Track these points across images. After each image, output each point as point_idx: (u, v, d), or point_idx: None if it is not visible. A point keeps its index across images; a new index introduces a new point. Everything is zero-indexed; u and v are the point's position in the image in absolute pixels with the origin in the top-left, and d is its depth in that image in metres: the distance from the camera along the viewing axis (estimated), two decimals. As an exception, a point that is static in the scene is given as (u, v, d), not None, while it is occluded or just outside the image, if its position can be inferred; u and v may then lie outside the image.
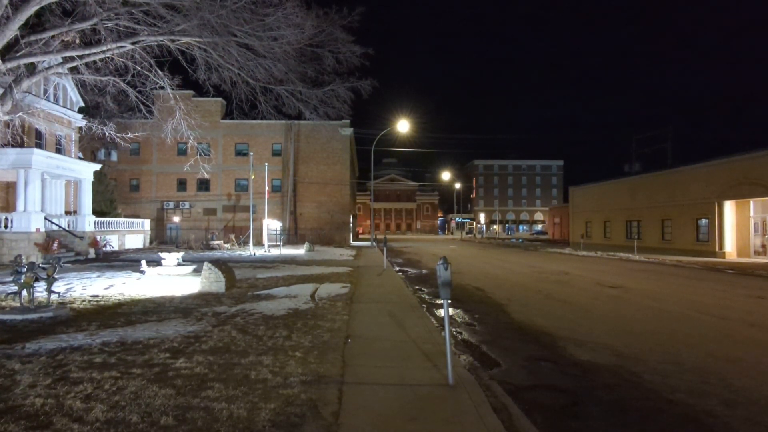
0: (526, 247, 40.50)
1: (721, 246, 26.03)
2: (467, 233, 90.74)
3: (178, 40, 12.02)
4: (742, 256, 25.66)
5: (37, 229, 20.24)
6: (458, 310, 9.90)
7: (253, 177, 31.50)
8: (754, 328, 8.28)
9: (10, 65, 11.23)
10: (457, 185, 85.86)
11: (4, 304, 8.98)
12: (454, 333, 7.82)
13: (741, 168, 24.73)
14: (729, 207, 26.14)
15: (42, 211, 21.77)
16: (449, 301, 4.96)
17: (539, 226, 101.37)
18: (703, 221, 27.46)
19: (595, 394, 5.01)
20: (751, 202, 25.71)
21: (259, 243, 33.04)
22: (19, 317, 7.72)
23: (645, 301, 11.28)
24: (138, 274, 14.58)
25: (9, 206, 23.50)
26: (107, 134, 15.38)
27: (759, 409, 4.58)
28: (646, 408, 4.65)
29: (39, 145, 23.75)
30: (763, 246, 25.40)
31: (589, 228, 40.22)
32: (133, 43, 11.86)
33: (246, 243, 32.92)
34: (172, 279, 13.56)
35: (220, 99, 41.14)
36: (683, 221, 28.95)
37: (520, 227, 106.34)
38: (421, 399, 4.42)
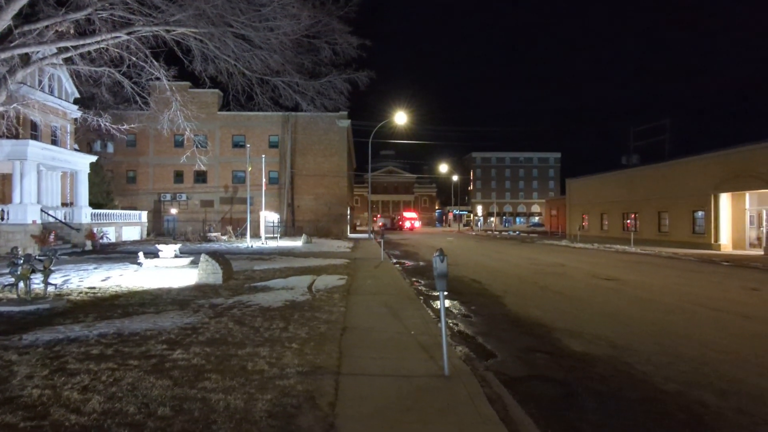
0: (523, 240, 40.60)
1: (717, 238, 26.15)
2: (465, 225, 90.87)
3: (174, 31, 11.91)
4: (738, 249, 25.79)
5: (34, 221, 20.18)
6: (455, 302, 9.94)
7: (250, 169, 31.42)
8: (748, 319, 8.35)
9: (4, 56, 11.12)
10: (455, 177, 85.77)
11: (0, 296, 8.97)
12: (451, 324, 7.86)
13: (737, 160, 24.79)
14: (725, 199, 26.24)
15: (38, 203, 21.69)
16: (445, 293, 4.98)
17: (536, 219, 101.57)
18: (700, 213, 27.56)
19: (590, 385, 5.06)
20: (747, 195, 25.79)
21: (256, 235, 33.03)
22: (15, 309, 7.72)
23: (640, 293, 11.35)
24: (135, 266, 14.58)
25: (5, 198, 23.39)
26: (103, 126, 15.28)
27: (751, 400, 4.64)
28: (640, 398, 4.70)
29: (34, 137, 23.59)
30: (759, 238, 25.51)
31: (586, 220, 40.32)
32: (128, 34, 11.75)
33: (243, 235, 32.90)
34: (170, 271, 13.56)
35: (216, 90, 40.84)
36: (680, 213, 29.05)
37: (518, 219, 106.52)
38: (417, 390, 4.45)
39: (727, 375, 5.34)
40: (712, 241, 26.20)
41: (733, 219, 26.33)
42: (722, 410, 4.39)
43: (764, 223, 24.93)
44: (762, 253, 23.31)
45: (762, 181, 23.16)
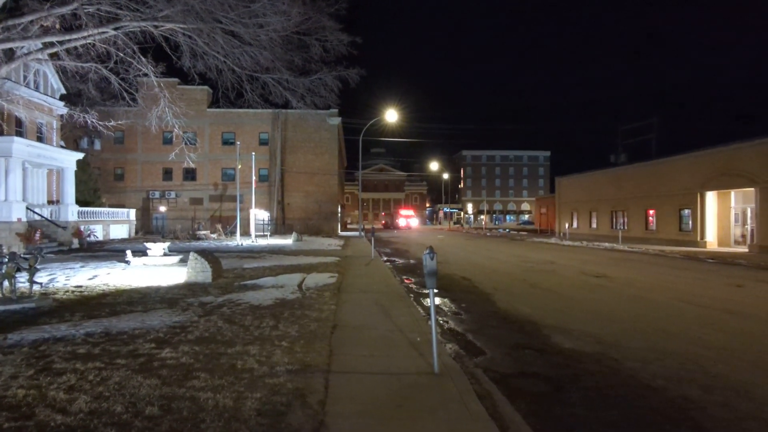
0: (513, 237, 40.83)
1: (703, 236, 26.52)
2: (455, 223, 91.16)
3: (162, 26, 11.76)
4: (723, 246, 26.18)
5: (19, 219, 19.87)
6: (445, 300, 9.98)
7: (239, 166, 31.23)
8: (733, 316, 8.48)
9: (-13, 50, 10.92)
10: (445, 175, 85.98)
11: (-16, 295, 8.82)
12: (441, 322, 7.89)
13: (723, 159, 25.14)
14: (711, 197, 26.61)
15: (23, 200, 21.36)
16: (435, 291, 5.00)
17: (526, 216, 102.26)
18: (686, 211, 27.91)
19: (578, 381, 5.10)
20: (732, 193, 26.18)
21: (246, 233, 32.84)
22: (0, 308, 7.60)
23: (628, 289, 11.48)
24: (123, 265, 14.43)
25: (-11, 195, 22.98)
26: (90, 122, 15.07)
27: (735, 395, 4.71)
28: (627, 394, 4.75)
29: (19, 133, 23.20)
30: (743, 236, 25.91)
31: (575, 218, 40.65)
32: (115, 29, 11.58)
33: (233, 233, 32.71)
34: (158, 269, 13.45)
35: (206, 87, 40.54)
36: (667, 211, 29.41)
37: (507, 217, 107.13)
38: (407, 387, 4.46)
39: (712, 370, 5.42)
40: (698, 239, 26.56)
41: (719, 217, 26.71)
42: (707, 405, 4.46)
43: (749, 221, 25.33)
44: (746, 250, 23.68)
45: (747, 179, 23.51)
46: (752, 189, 23.53)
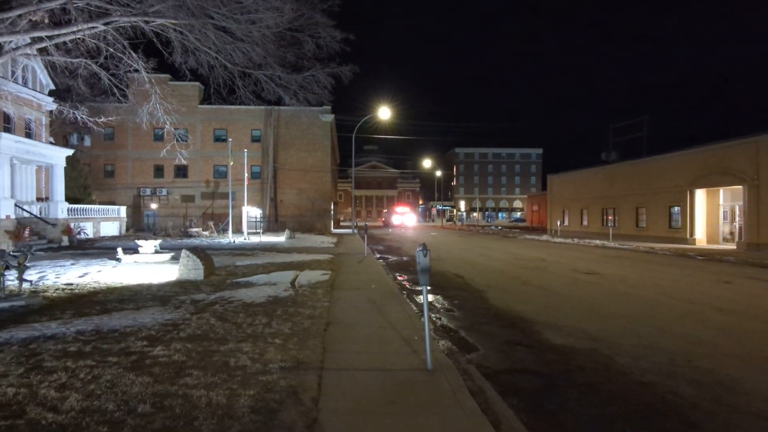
0: (505, 235, 41.01)
1: (692, 233, 26.80)
2: (448, 221, 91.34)
3: (153, 22, 11.66)
4: (712, 243, 26.47)
5: (8, 216, 19.64)
6: (438, 297, 10.01)
7: (231, 163, 31.04)
8: (722, 312, 8.59)
9: (-26, 45, 10.76)
10: (438, 173, 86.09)
11: (-27, 292, 8.71)
12: (434, 319, 7.91)
13: (712, 157, 25.40)
14: (700, 195, 26.88)
15: (12, 197, 21.11)
16: (428, 288, 5.01)
17: (518, 214, 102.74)
18: (676, 209, 28.18)
19: (570, 377, 5.15)
20: (721, 191, 26.46)
21: (238, 230, 32.69)
22: (-11, 306, 7.52)
23: (618, 286, 11.58)
24: (114, 262, 14.31)
25: (-24, 192, 22.65)
26: (79, 118, 14.93)
27: (723, 389, 4.78)
28: (618, 390, 4.80)
29: (7, 129, 22.90)
30: (732, 233, 26.22)
31: (567, 215, 40.91)
32: (106, 24, 11.47)
33: (225, 230, 32.54)
34: (150, 267, 13.35)
35: (197, 83, 40.17)
36: (657, 209, 29.67)
37: (500, 215, 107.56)
38: (400, 384, 4.48)
39: (701, 366, 5.49)
40: (688, 236, 26.84)
41: (708, 214, 27.00)
42: (697, 400, 4.52)
43: (737, 219, 25.63)
44: (734, 247, 23.97)
45: (735, 177, 23.78)
46: (740, 187, 23.80)
